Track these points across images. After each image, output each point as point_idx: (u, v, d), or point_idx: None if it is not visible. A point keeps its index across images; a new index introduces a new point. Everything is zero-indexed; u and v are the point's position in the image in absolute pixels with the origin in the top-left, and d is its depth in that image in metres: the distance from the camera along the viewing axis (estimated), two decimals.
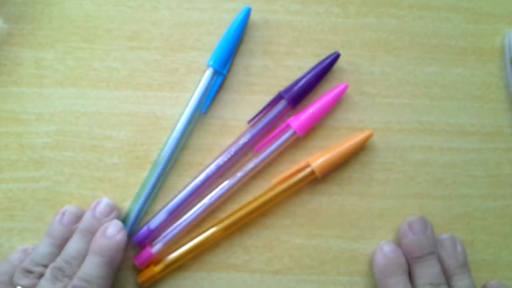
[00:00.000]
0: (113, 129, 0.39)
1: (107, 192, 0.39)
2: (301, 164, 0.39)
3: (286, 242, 0.39)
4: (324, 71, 0.39)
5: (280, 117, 0.39)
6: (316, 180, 0.39)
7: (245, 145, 0.38)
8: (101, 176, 0.39)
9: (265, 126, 0.39)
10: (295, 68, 0.40)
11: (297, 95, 0.38)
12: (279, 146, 0.38)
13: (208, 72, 0.39)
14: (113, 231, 0.36)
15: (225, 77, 0.39)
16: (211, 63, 0.39)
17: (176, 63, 0.40)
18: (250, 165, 0.38)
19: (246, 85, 0.40)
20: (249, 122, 0.39)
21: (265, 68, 0.40)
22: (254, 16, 0.40)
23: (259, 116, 0.39)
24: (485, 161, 0.40)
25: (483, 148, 0.40)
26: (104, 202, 0.38)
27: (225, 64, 0.39)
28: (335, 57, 0.38)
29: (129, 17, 0.40)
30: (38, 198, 0.39)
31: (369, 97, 0.40)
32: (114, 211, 0.38)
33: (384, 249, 0.38)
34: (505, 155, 0.40)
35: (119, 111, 0.39)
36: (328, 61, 0.39)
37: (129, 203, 0.39)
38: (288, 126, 0.38)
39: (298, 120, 0.38)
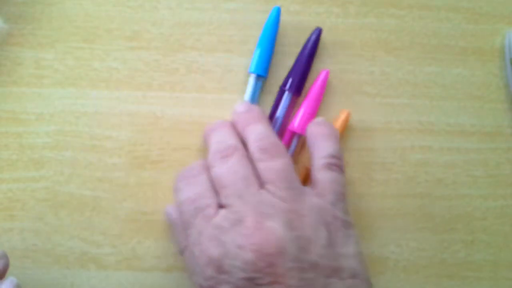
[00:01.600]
0: (113, 129, 0.39)
1: (107, 192, 0.39)
2: (301, 170, 0.39)
3: None
4: (312, 49, 0.39)
5: (290, 109, 0.39)
6: None
7: None
8: (101, 176, 0.39)
9: (281, 122, 0.39)
10: None
11: (298, 83, 0.38)
12: (292, 154, 0.39)
13: (252, 78, 0.39)
14: None
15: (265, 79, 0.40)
16: (253, 69, 0.39)
17: (176, 63, 0.40)
18: None
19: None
20: None
21: None
22: (254, 16, 0.40)
23: (271, 115, 0.39)
24: (485, 161, 0.40)
25: (483, 148, 0.40)
26: None
27: (267, 67, 0.39)
28: (318, 32, 0.39)
29: (129, 17, 0.40)
30: (38, 198, 0.39)
31: (369, 97, 0.40)
32: (1, 260, 0.34)
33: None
34: (505, 155, 0.40)
35: (119, 111, 0.39)
36: (313, 38, 0.39)
37: (129, 203, 0.39)
38: (292, 133, 0.38)
39: (298, 121, 0.38)
